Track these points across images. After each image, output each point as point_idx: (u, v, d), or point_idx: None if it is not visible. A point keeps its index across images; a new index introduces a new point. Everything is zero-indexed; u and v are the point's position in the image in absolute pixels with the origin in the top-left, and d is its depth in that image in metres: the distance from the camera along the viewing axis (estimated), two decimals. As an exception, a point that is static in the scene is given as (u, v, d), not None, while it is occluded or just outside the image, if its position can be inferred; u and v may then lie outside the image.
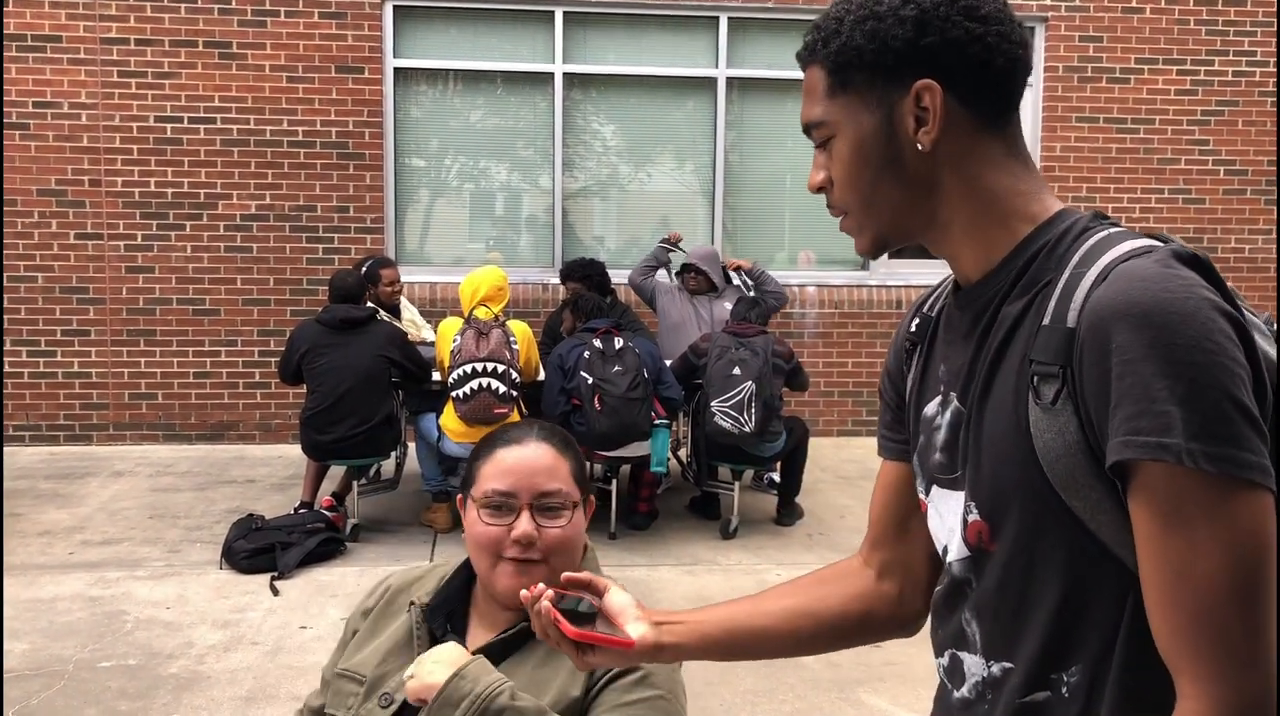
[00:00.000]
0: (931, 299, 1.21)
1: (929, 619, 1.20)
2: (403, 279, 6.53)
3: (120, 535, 5.27)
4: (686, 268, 6.17)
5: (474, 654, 1.47)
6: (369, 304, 5.65)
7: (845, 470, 6.79)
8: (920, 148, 1.04)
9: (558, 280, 7.32)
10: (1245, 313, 0.95)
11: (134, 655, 3.89)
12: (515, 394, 5.14)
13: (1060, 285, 0.98)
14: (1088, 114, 7.70)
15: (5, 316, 7.01)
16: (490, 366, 5.05)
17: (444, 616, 1.56)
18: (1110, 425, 0.91)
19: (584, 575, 1.26)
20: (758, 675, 3.80)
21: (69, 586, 4.55)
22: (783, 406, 5.49)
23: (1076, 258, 0.99)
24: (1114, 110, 7.72)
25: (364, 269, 5.97)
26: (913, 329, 1.21)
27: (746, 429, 5.16)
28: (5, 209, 6.95)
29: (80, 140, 6.98)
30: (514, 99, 7.52)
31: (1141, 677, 0.96)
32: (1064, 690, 1.01)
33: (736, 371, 5.20)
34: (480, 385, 5.02)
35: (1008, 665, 1.05)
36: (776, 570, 4.92)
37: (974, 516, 1.06)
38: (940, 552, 1.15)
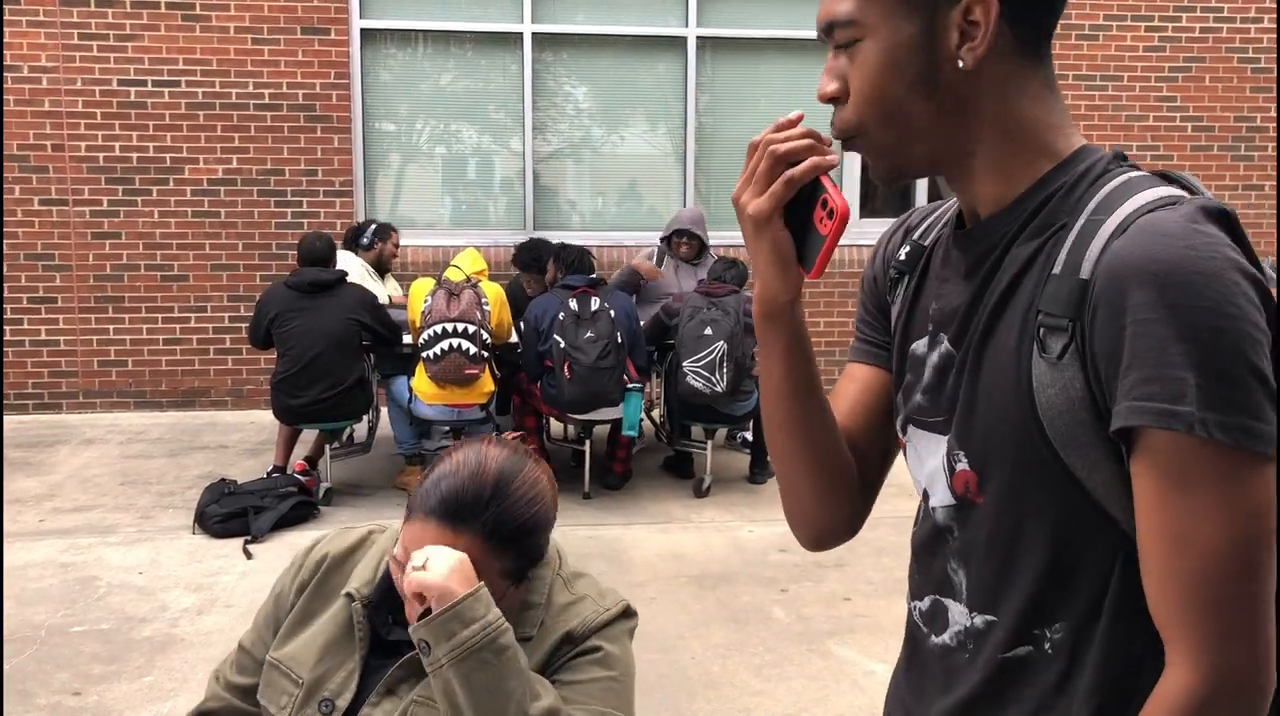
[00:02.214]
0: (924, 226, 1.14)
1: (911, 560, 1.16)
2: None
3: (92, 502, 5.25)
4: (680, 233, 6.08)
5: (412, 653, 1.40)
6: (364, 261, 5.96)
7: (817, 429, 6.81)
8: (961, 64, 0.95)
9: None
10: (1262, 267, 0.91)
11: (107, 619, 3.89)
12: (486, 355, 5.14)
13: (1075, 232, 0.93)
14: (1057, 71, 7.63)
15: (-30, 284, 6.94)
16: (461, 327, 5.04)
17: (386, 611, 1.47)
18: (1120, 386, 0.87)
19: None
20: (728, 628, 3.85)
21: (40, 553, 4.54)
22: (755, 365, 5.51)
23: (1094, 203, 0.94)
24: (1083, 67, 7.73)
25: (373, 227, 6.19)
26: (902, 257, 1.14)
27: (718, 388, 5.19)
28: (-33, 175, 6.86)
29: (42, 104, 6.87)
30: (483, 61, 7.45)
31: (1128, 639, 0.94)
32: (1047, 646, 0.99)
33: (708, 331, 5.22)
34: (451, 345, 5.02)
35: (991, 618, 1.02)
36: (749, 527, 4.97)
37: (962, 465, 1.02)
38: (920, 494, 1.11)
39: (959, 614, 1.05)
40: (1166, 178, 0.96)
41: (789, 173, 0.98)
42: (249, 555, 4.55)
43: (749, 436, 5.99)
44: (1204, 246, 0.85)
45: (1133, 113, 7.80)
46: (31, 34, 6.80)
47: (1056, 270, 0.92)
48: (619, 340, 5.17)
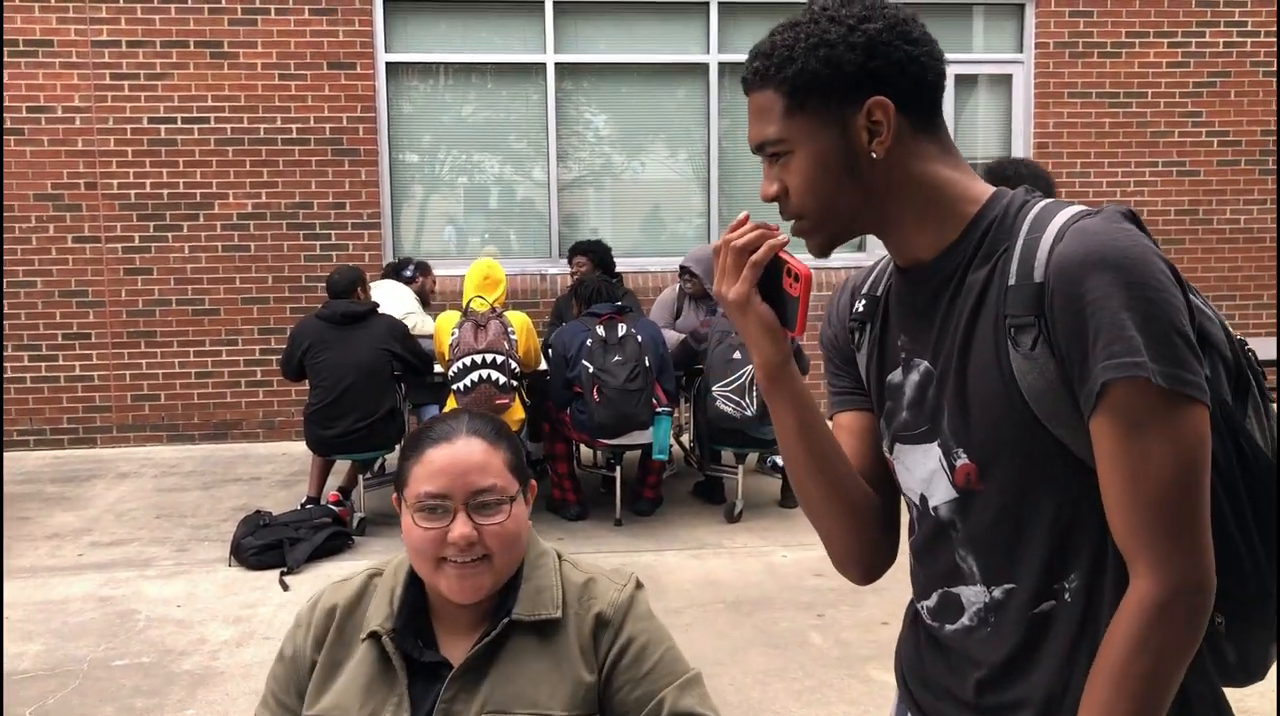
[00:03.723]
0: (870, 282, 1.34)
1: (911, 564, 1.32)
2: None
3: (128, 535, 5.29)
4: (683, 270, 6.11)
5: (458, 667, 1.45)
6: (414, 293, 6.17)
7: (847, 451, 6.79)
8: (875, 156, 1.17)
9: (555, 270, 7.36)
10: None
11: (147, 653, 3.92)
12: (515, 384, 5.16)
13: (1018, 249, 1.13)
14: (1080, 89, 7.70)
15: (5, 322, 7.03)
16: (489, 357, 5.06)
17: (414, 635, 1.49)
18: (1092, 354, 1.06)
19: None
20: (768, 655, 3.83)
21: (80, 587, 4.58)
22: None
23: (1026, 225, 1.15)
24: (1106, 85, 7.72)
25: (414, 263, 6.43)
26: (859, 309, 1.34)
27: (748, 413, 5.18)
28: (4, 214, 6.97)
29: (75, 144, 6.98)
30: (506, 91, 7.52)
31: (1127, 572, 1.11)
32: (1066, 596, 1.17)
33: (737, 355, 5.22)
34: (481, 377, 5.04)
35: (1010, 586, 1.19)
36: (782, 551, 4.95)
37: (962, 460, 1.19)
38: (917, 502, 1.28)
39: (974, 595, 1.23)
40: (1073, 203, 1.18)
41: (752, 258, 1.21)
42: (285, 586, 4.58)
43: (779, 460, 5.97)
44: (1126, 238, 1.08)
45: (1158, 129, 7.78)
46: (64, 75, 6.93)
47: (1012, 281, 1.13)
48: (647, 364, 5.18)
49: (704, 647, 3.88)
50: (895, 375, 1.27)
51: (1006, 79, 7.80)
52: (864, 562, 1.36)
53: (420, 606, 1.52)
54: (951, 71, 7.69)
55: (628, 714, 1.46)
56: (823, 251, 1.24)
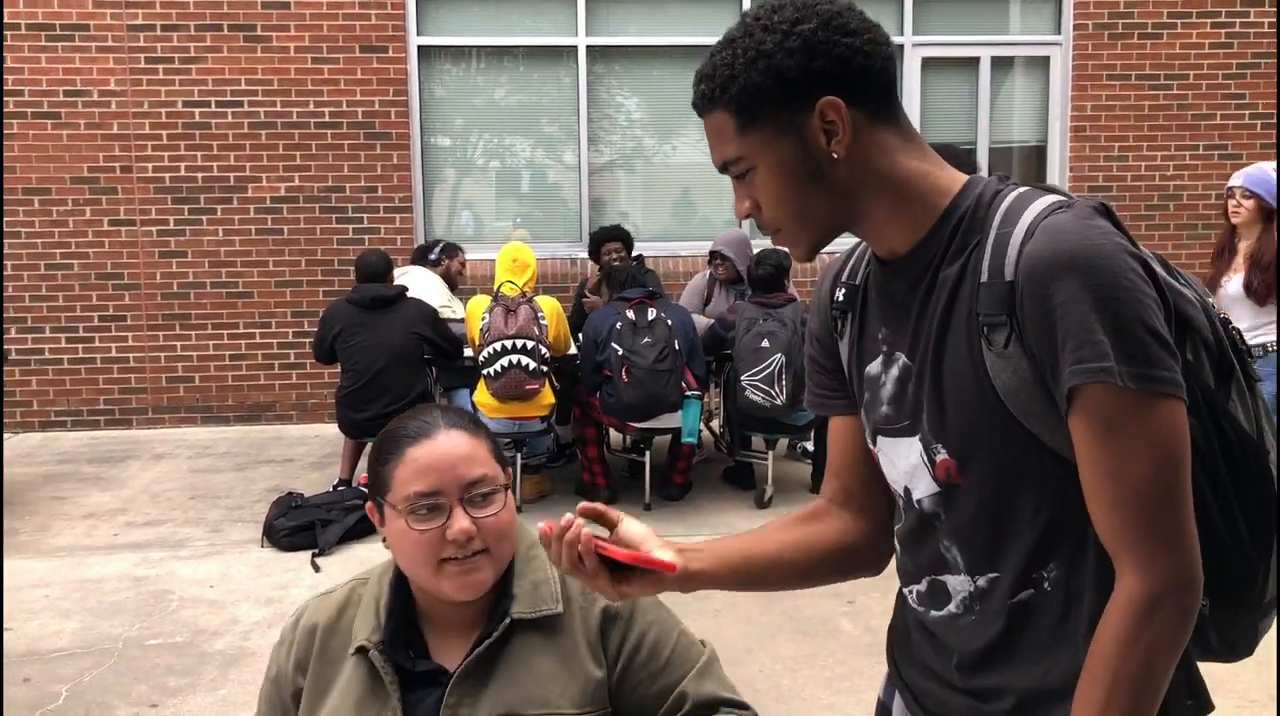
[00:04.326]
0: (850, 268, 1.33)
1: (897, 551, 1.34)
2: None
3: (163, 516, 5.35)
4: (714, 254, 6.08)
5: (457, 670, 1.40)
6: (440, 276, 6.07)
7: (879, 437, 6.74)
8: (836, 156, 1.15)
9: (585, 255, 7.34)
10: (1141, 249, 1.13)
11: (180, 632, 3.96)
12: (545, 369, 5.16)
13: (990, 244, 1.13)
14: (1119, 71, 7.58)
15: (44, 303, 7.12)
16: (520, 343, 5.06)
17: (404, 646, 1.44)
18: (1061, 358, 1.07)
19: (597, 506, 1.26)
20: (797, 642, 3.82)
21: (115, 566, 4.63)
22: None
23: (998, 218, 1.14)
24: (1146, 66, 7.59)
25: (440, 245, 6.34)
26: (840, 298, 1.32)
27: (778, 401, 5.15)
28: (40, 197, 7.05)
29: (111, 127, 7.04)
30: (538, 74, 7.50)
31: (1109, 562, 1.12)
32: (1046, 585, 1.18)
33: (765, 344, 5.18)
34: (511, 362, 5.05)
35: (993, 575, 1.20)
36: (812, 538, 4.92)
37: (942, 455, 1.20)
38: (901, 493, 1.28)
39: (960, 583, 1.24)
40: (1048, 189, 1.17)
41: (586, 573, 1.22)
42: (317, 568, 4.61)
43: (810, 446, 5.94)
44: (1097, 236, 1.07)
45: (1199, 112, 7.64)
46: (100, 59, 6.98)
47: (984, 278, 1.12)
48: (676, 346, 5.16)
49: (733, 634, 3.88)
50: (874, 366, 1.27)
51: (1044, 61, 7.69)
52: (866, 568, 1.41)
53: (408, 613, 1.47)
54: (988, 53, 7.60)
55: (648, 708, 1.42)
56: (809, 256, 1.23)
